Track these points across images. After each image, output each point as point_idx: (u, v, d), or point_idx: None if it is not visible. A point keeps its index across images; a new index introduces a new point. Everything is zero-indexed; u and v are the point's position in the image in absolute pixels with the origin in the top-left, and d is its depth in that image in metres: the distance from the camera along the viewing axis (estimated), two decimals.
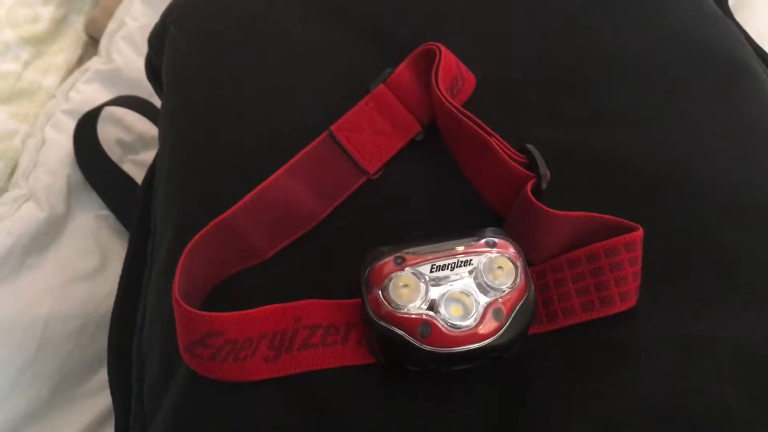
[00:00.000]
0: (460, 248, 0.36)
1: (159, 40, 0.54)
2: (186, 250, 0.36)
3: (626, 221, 0.37)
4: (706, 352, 0.36)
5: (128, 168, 0.69)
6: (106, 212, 0.66)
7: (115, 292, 0.56)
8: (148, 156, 0.70)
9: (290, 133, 0.44)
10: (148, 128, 0.71)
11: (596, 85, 0.47)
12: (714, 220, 0.41)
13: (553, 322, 0.37)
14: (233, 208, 0.39)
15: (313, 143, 0.42)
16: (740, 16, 0.58)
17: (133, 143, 0.71)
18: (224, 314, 0.34)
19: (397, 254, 0.35)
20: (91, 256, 0.63)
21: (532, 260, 0.38)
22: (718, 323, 0.37)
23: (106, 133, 0.69)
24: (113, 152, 0.69)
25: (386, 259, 0.35)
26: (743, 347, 0.36)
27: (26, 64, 0.73)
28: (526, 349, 0.36)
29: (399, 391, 0.36)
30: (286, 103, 0.47)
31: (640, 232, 0.36)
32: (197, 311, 0.34)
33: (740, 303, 0.38)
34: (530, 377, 0.36)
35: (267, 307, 0.36)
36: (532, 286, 0.36)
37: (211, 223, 0.38)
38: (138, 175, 0.67)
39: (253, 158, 0.44)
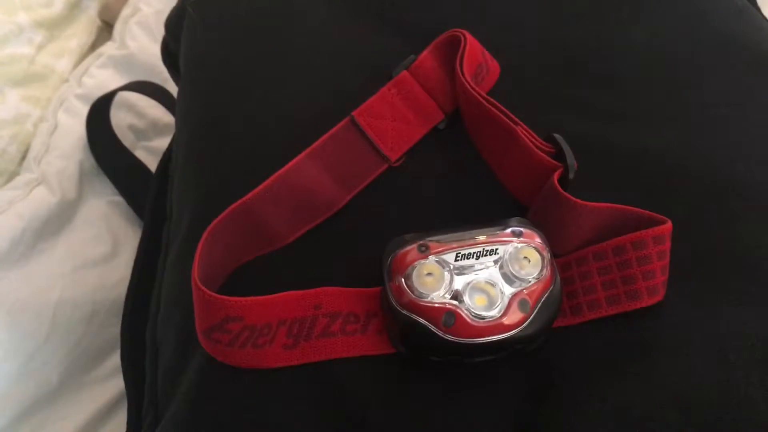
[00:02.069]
0: (486, 237, 0.35)
1: (177, 24, 0.54)
2: (205, 234, 0.36)
3: (654, 214, 0.36)
4: (733, 348, 0.35)
5: (140, 154, 0.68)
6: (118, 198, 0.65)
7: (126, 278, 0.56)
8: (161, 143, 0.69)
9: (310, 119, 0.43)
10: (161, 115, 0.71)
11: (622, 77, 0.46)
12: (741, 217, 0.40)
13: (577, 315, 0.37)
14: (253, 192, 0.38)
15: (335, 128, 0.41)
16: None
17: (146, 129, 0.71)
18: (244, 299, 0.34)
19: (421, 242, 0.35)
20: (102, 243, 0.62)
21: (556, 252, 0.37)
22: (745, 319, 0.36)
23: (119, 119, 0.69)
24: (126, 138, 0.68)
25: (410, 247, 0.35)
26: None
27: (39, 48, 0.73)
28: (550, 343, 0.36)
29: (418, 382, 0.36)
30: (306, 87, 0.46)
31: (669, 225, 0.36)
32: (217, 295, 0.33)
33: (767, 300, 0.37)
34: (553, 371, 0.36)
35: (286, 293, 0.35)
36: (558, 278, 0.35)
37: (231, 207, 0.37)
38: (150, 162, 0.66)
39: (272, 143, 0.43)
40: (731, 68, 0.47)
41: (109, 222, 0.64)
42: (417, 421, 0.35)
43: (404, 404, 0.35)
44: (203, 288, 0.33)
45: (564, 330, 0.36)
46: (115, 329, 0.56)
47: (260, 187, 0.38)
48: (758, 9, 0.54)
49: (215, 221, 0.36)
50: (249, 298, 0.34)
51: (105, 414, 0.56)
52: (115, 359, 0.58)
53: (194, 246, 0.35)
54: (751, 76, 0.47)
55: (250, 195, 0.38)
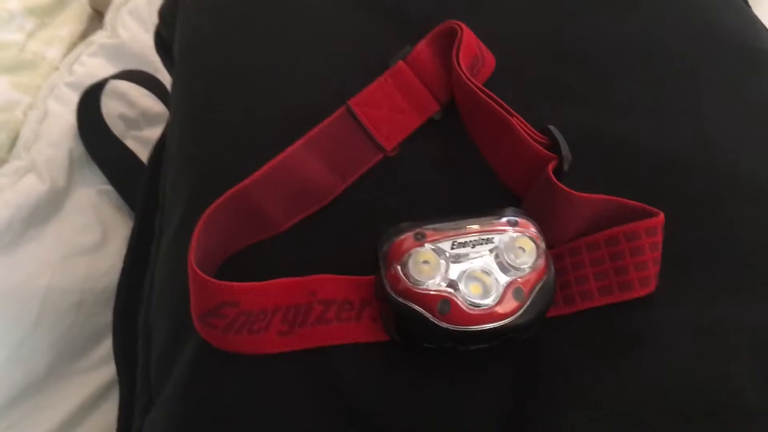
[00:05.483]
0: (481, 226, 0.35)
1: (170, 12, 0.53)
2: (203, 218, 0.35)
3: (647, 206, 0.37)
4: (723, 340, 0.36)
5: (130, 144, 0.68)
6: (108, 187, 0.65)
7: (115, 267, 0.55)
8: (151, 132, 0.69)
9: (305, 107, 0.43)
10: (152, 104, 0.70)
11: (617, 70, 0.46)
12: (732, 209, 0.41)
13: (570, 305, 0.37)
14: (250, 178, 0.38)
15: (331, 117, 0.42)
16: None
17: (137, 119, 0.70)
18: (240, 284, 0.34)
19: (418, 230, 0.35)
20: (92, 231, 0.62)
21: (549, 242, 0.37)
22: (735, 311, 0.37)
23: (110, 108, 0.68)
24: (116, 127, 0.68)
25: (406, 235, 0.35)
26: (760, 336, 0.36)
27: (30, 35, 0.72)
28: (543, 332, 0.36)
29: (411, 370, 0.36)
30: (302, 76, 0.46)
31: (662, 217, 0.36)
32: (213, 280, 0.33)
33: (757, 291, 0.38)
34: (546, 361, 0.36)
35: (282, 279, 0.35)
36: (552, 267, 0.36)
37: (228, 192, 0.37)
38: (140, 152, 0.66)
39: (268, 131, 0.43)
40: (726, 63, 0.47)
41: (98, 211, 0.63)
42: (410, 408, 0.35)
43: (398, 391, 0.35)
44: (200, 272, 0.33)
45: (557, 320, 0.37)
46: (103, 318, 0.56)
47: (257, 173, 0.38)
48: (748, 5, 0.55)
49: (212, 206, 0.36)
50: (245, 284, 0.34)
51: (92, 402, 0.56)
52: (103, 348, 0.58)
53: (189, 232, 0.35)
54: (746, 71, 0.47)
55: (247, 181, 0.38)
